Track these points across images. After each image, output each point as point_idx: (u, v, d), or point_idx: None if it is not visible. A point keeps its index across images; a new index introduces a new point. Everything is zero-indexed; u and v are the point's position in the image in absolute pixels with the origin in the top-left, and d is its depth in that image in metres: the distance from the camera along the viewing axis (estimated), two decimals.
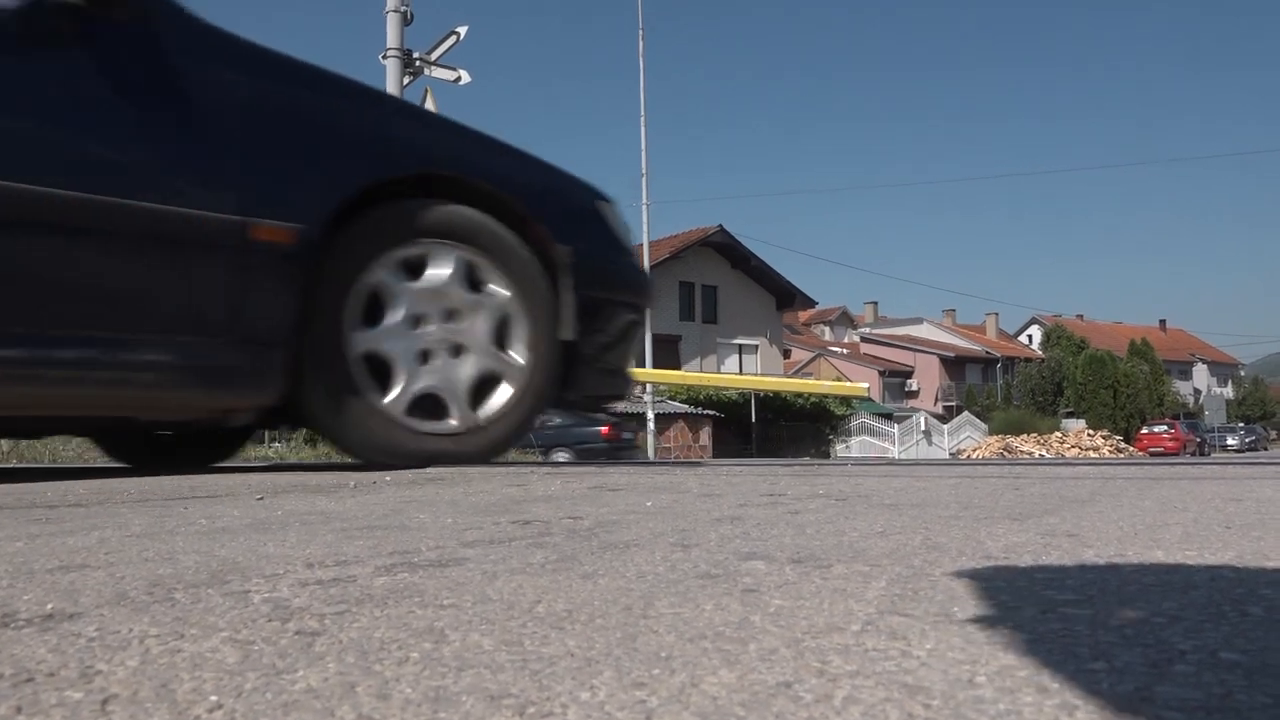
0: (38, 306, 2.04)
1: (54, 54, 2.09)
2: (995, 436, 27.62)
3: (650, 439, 18.80)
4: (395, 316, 2.46)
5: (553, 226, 2.69)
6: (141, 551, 1.06)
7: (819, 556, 0.99)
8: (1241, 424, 48.69)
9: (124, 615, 0.73)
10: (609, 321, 2.83)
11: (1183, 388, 58.22)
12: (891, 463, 4.33)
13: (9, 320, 2.01)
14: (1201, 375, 64.83)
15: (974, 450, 25.31)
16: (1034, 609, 0.73)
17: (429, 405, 2.52)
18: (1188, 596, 0.77)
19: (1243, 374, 70.55)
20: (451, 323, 2.54)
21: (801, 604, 0.76)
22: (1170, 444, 32.98)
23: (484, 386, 2.62)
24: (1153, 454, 28.04)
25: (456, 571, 0.92)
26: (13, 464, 6.16)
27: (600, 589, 0.83)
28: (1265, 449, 41.74)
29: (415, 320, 2.49)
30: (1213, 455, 29.60)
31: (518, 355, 2.65)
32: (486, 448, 2.61)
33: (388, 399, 2.45)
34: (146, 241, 2.13)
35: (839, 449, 27.15)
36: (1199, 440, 35.11)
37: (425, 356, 2.51)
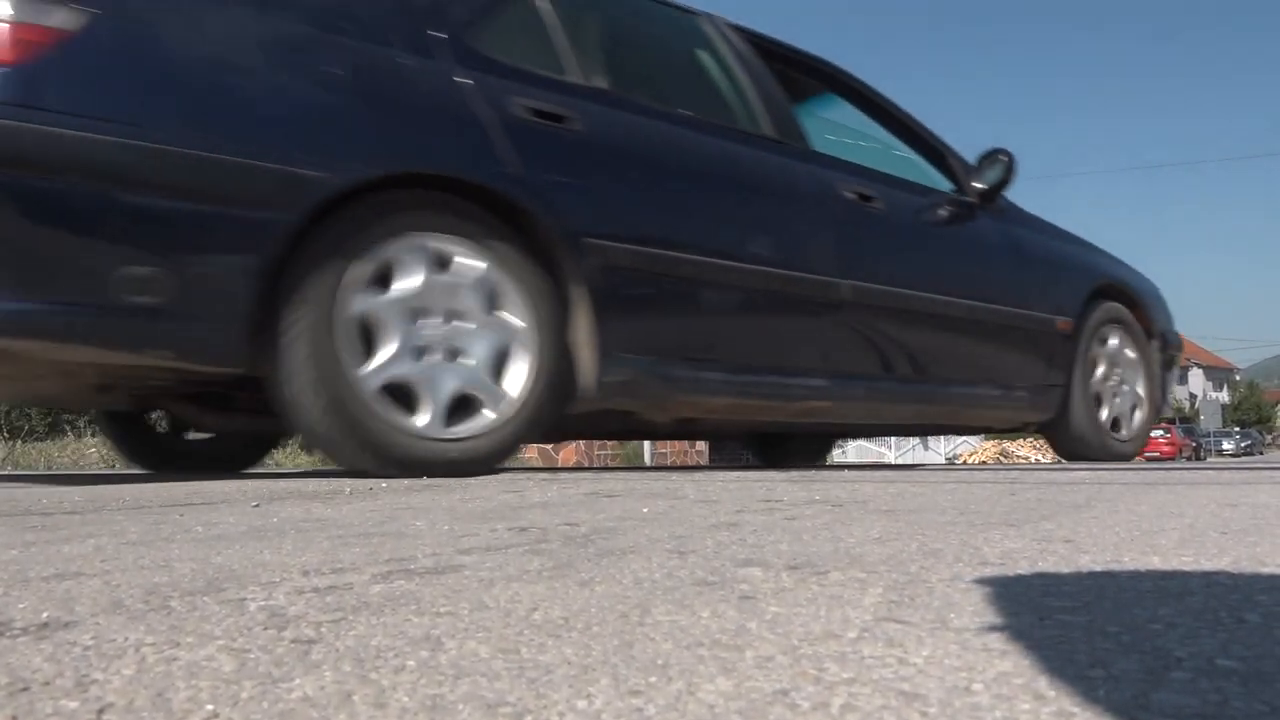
0: (980, 368, 3.59)
1: (969, 224, 3.68)
2: (992, 441, 27.60)
3: (647, 445, 18.72)
4: (1100, 369, 4.01)
5: (1147, 309, 4.25)
6: (137, 559, 1.05)
7: (816, 563, 0.99)
8: (1237, 429, 48.80)
9: (120, 623, 0.73)
10: (1169, 367, 4.47)
11: (1178, 392, 58.32)
12: (888, 468, 4.33)
13: (969, 372, 3.55)
14: (1197, 380, 64.89)
15: (970, 455, 25.30)
16: (1031, 615, 0.73)
17: (1113, 423, 4.10)
18: (1184, 603, 0.77)
19: (1238, 378, 70.68)
20: (1119, 368, 4.10)
21: (798, 611, 0.76)
22: (1166, 448, 32.97)
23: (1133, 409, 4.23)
24: (1148, 458, 28.03)
25: (453, 578, 0.92)
26: (7, 470, 6.14)
27: (597, 596, 0.83)
28: (1261, 454, 41.78)
29: (1108, 375, 4.05)
30: (1208, 460, 29.63)
31: (1142, 391, 4.21)
32: (1139, 449, 4.28)
33: (1102, 417, 4.01)
34: (1017, 331, 3.67)
35: (835, 454, 27.14)
36: (1194, 445, 35.14)
37: (1113, 394, 4.09)
